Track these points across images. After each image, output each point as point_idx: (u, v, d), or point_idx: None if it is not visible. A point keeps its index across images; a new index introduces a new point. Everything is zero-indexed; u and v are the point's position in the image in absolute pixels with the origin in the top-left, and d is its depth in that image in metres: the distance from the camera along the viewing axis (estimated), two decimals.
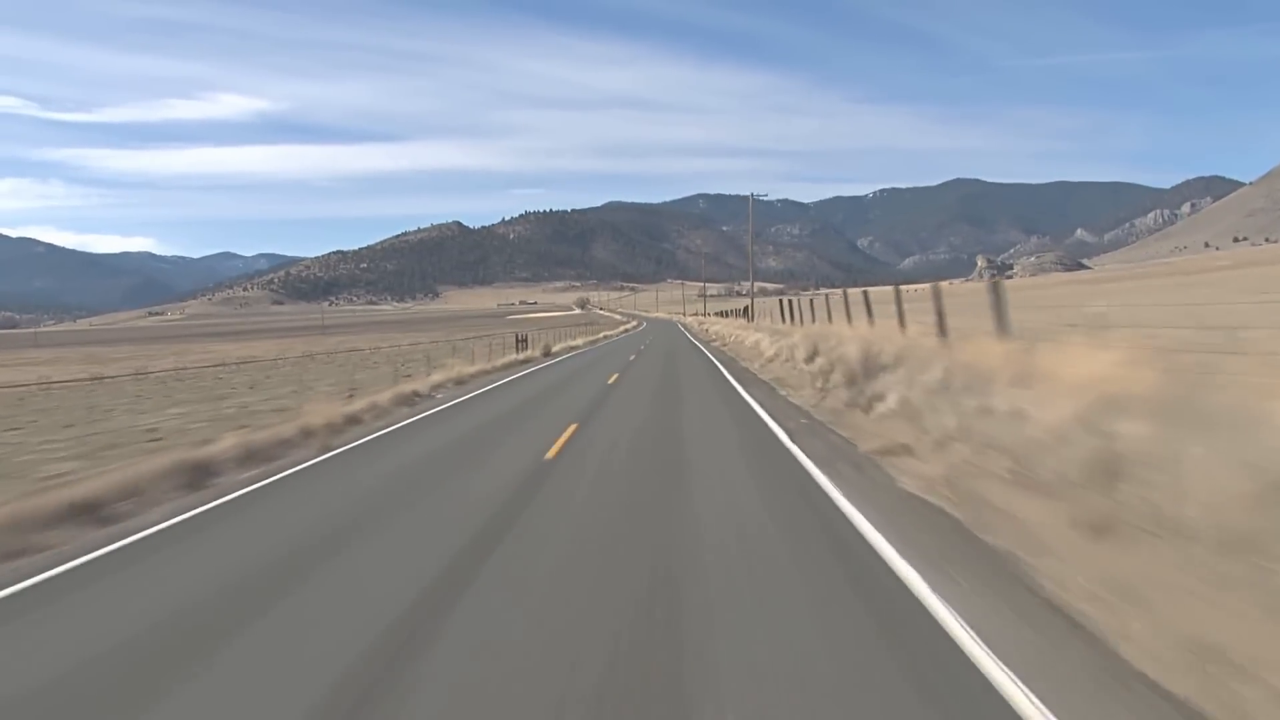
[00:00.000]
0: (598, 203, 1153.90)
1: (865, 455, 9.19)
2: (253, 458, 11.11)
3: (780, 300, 36.31)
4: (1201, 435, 4.83)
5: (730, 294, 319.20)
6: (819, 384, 15.73)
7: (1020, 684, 3.60)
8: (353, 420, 15.04)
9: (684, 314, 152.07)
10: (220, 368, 60.31)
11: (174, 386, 40.08)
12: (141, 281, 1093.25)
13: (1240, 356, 7.10)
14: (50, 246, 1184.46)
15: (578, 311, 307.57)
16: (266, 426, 13.78)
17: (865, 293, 17.41)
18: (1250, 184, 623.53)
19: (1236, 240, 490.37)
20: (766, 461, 9.34)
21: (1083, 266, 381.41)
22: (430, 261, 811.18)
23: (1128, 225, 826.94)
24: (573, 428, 12.64)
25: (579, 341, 58.34)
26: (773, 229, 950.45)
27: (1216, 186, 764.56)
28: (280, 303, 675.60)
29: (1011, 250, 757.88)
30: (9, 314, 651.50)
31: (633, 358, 34.96)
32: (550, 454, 10.37)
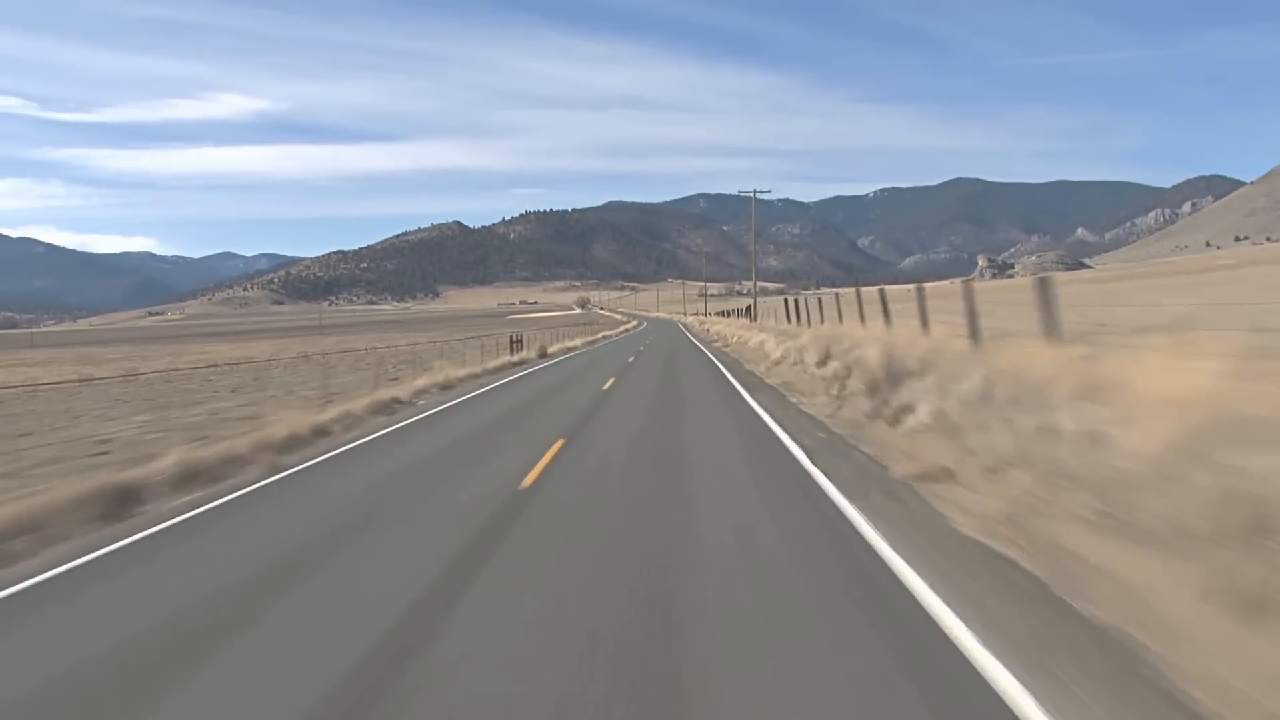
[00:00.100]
0: (598, 202, 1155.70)
1: (901, 481, 7.79)
2: (192, 479, 9.71)
3: (785, 299, 35.01)
4: None
5: (731, 293, 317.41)
6: (834, 391, 14.36)
7: None
8: (320, 432, 13.65)
9: (684, 314, 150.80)
10: (212, 369, 58.88)
11: (158, 390, 38.64)
12: (142, 281, 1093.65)
13: None
14: (50, 246, 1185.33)
15: (578, 311, 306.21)
16: (223, 439, 12.39)
17: (881, 291, 15.97)
18: (1251, 183, 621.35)
19: (1238, 239, 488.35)
20: (786, 494, 7.78)
21: (1084, 266, 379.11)
22: (430, 261, 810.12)
23: (1129, 224, 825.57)
24: (559, 444, 11.20)
25: (577, 342, 56.88)
26: (773, 228, 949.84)
27: (1217, 186, 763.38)
28: (280, 303, 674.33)
29: (1012, 249, 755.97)
30: (9, 314, 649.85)
31: (631, 359, 33.71)
32: (527, 481, 8.83)
